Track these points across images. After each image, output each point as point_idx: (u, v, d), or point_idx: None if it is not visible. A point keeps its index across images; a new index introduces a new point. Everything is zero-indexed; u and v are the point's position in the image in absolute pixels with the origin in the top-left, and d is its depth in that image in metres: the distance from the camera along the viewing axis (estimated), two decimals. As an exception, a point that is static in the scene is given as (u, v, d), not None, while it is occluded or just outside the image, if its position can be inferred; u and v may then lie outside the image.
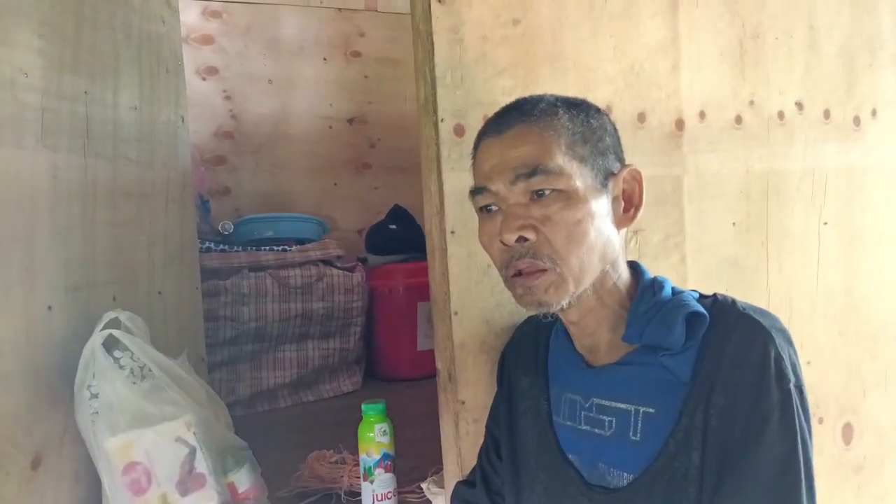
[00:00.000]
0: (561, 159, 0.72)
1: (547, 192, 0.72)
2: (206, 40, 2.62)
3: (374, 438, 1.27)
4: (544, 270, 0.72)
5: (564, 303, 0.74)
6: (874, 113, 1.31)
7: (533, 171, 0.72)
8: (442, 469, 1.18)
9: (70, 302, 1.18)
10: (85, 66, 1.27)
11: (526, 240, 0.72)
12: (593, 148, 0.74)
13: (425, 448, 1.47)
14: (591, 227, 0.72)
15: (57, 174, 1.16)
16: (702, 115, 1.17)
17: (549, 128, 0.73)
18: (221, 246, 2.15)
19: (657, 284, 0.77)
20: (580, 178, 0.72)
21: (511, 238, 0.73)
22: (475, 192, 0.78)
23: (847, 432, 1.28)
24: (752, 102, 1.21)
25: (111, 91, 1.37)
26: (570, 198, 0.72)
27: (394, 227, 2.53)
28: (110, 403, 1.03)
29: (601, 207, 0.74)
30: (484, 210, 0.78)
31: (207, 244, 2.11)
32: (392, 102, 2.88)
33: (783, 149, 1.24)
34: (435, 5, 0.99)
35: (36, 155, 1.10)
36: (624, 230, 0.78)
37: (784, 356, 0.67)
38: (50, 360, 1.11)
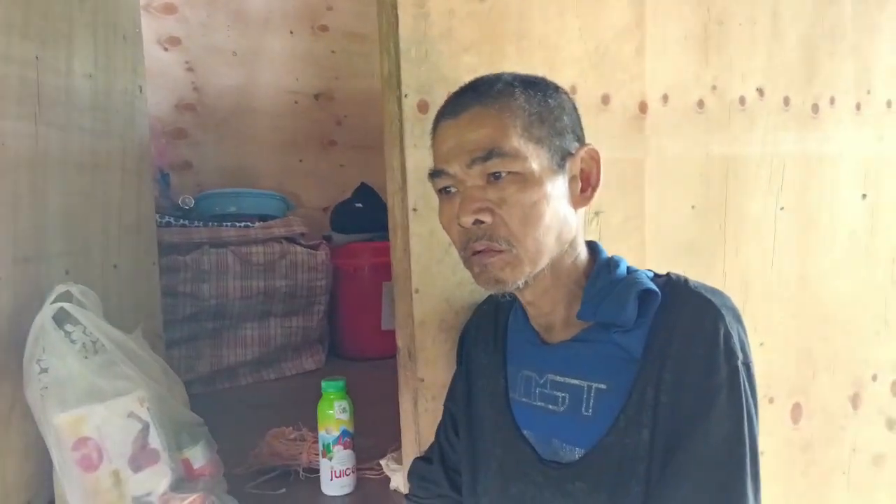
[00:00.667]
0: (517, 142, 0.72)
1: (503, 175, 0.72)
2: (169, 9, 2.54)
3: (334, 415, 1.27)
4: (501, 251, 0.72)
5: (521, 282, 0.74)
6: (832, 101, 1.33)
7: (489, 154, 0.71)
8: (401, 447, 1.18)
9: (19, 274, 1.14)
10: (36, 30, 1.22)
11: (482, 222, 0.73)
12: (550, 128, 0.74)
13: (385, 426, 1.47)
14: (547, 209, 0.72)
15: (4, 141, 1.12)
16: (665, 98, 1.18)
17: (505, 109, 0.73)
18: (181, 221, 2.11)
19: (612, 263, 0.77)
20: (536, 159, 0.72)
21: (468, 221, 0.73)
22: (433, 174, 0.78)
23: (796, 412, 1.32)
24: (714, 87, 1.22)
25: (64, 57, 1.32)
26: (525, 180, 0.72)
27: (360, 205, 2.51)
28: (61, 378, 1.01)
29: (557, 188, 0.74)
30: (443, 192, 0.78)
31: (167, 219, 2.07)
32: (359, 78, 2.83)
33: (743, 134, 1.25)
34: (400, -23, 0.97)
35: (-18, 120, 1.06)
36: (582, 209, 0.78)
37: (733, 334, 0.68)
38: (-3, 333, 1.08)
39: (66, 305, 1.06)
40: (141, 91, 1.66)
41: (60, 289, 1.09)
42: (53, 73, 1.28)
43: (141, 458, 1.03)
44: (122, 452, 1.03)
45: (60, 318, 1.06)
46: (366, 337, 2.45)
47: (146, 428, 1.04)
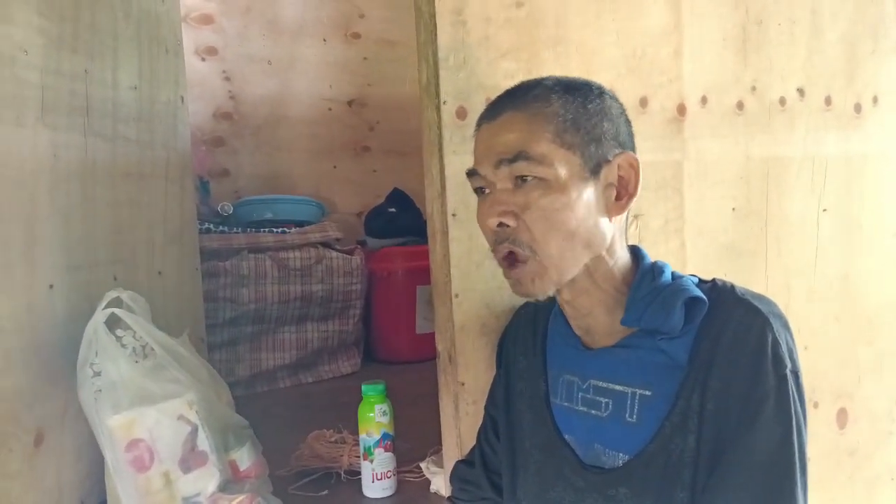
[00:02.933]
0: (546, 147, 0.72)
1: (529, 179, 0.73)
2: (206, 20, 2.60)
3: (375, 418, 1.29)
4: (525, 261, 0.73)
5: (551, 290, 0.75)
6: (875, 100, 1.31)
7: (515, 157, 0.72)
8: (440, 449, 1.19)
9: (71, 281, 1.18)
10: (84, 45, 1.26)
11: (507, 225, 0.74)
12: (586, 134, 0.74)
13: (423, 429, 1.48)
14: (572, 216, 0.72)
15: (57, 153, 1.16)
16: (703, 100, 1.17)
17: (537, 115, 0.73)
18: (221, 227, 2.16)
19: (657, 269, 0.77)
20: (565, 166, 0.72)
21: (492, 223, 0.74)
22: (469, 173, 0.79)
23: (842, 417, 1.30)
24: (753, 88, 1.21)
25: (110, 70, 1.36)
26: (550, 186, 0.72)
27: (393, 210, 2.54)
28: (113, 381, 1.04)
29: (587, 196, 0.73)
30: (479, 192, 0.79)
31: (207, 225, 2.11)
32: (391, 84, 2.86)
33: (784, 135, 1.24)
34: (438, -14, 0.99)
35: (36, 133, 1.10)
36: (620, 216, 0.78)
37: (781, 341, 0.68)
38: (51, 338, 1.12)
39: (117, 311, 1.09)
40: (182, 101, 1.71)
41: (111, 294, 1.12)
42: (101, 85, 1.32)
43: (190, 459, 1.06)
44: (173, 454, 1.06)
45: (112, 323, 1.10)
46: (400, 340, 2.47)
47: (195, 430, 1.07)
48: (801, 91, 1.25)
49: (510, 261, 0.75)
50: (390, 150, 2.88)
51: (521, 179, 0.73)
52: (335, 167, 2.83)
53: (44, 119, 1.12)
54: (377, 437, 1.29)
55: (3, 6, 1.03)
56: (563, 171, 0.72)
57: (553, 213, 0.72)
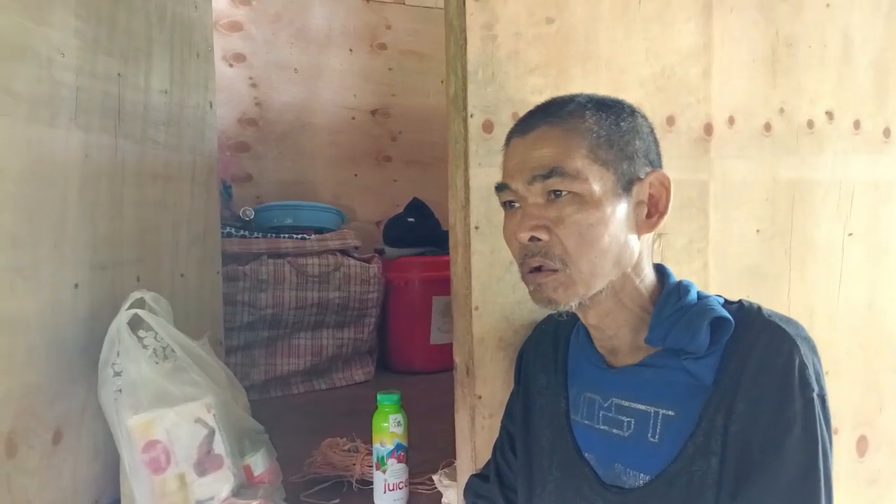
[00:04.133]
0: (580, 162, 0.72)
1: (563, 194, 0.73)
2: (235, 27, 2.64)
3: (389, 429, 1.28)
4: (555, 271, 0.73)
5: (574, 303, 0.75)
6: (905, 126, 1.30)
7: (550, 173, 0.72)
8: (453, 462, 1.19)
9: (96, 280, 1.20)
10: (119, 48, 1.28)
11: (539, 239, 0.73)
12: (619, 151, 0.74)
13: (435, 441, 1.48)
14: (605, 232, 0.72)
15: (88, 153, 1.18)
16: (731, 120, 1.17)
17: (572, 130, 0.73)
18: (242, 231, 2.17)
19: (682, 288, 0.77)
20: (599, 182, 0.72)
21: (525, 237, 0.74)
22: (499, 187, 0.79)
23: (862, 445, 1.28)
24: (782, 110, 1.21)
25: (143, 73, 1.39)
26: (584, 201, 0.72)
27: (412, 220, 2.54)
28: (133, 382, 1.05)
29: (619, 212, 0.74)
30: (507, 206, 0.79)
31: (228, 229, 2.13)
32: (415, 95, 2.89)
33: (811, 158, 1.23)
34: (469, 2, 0.99)
35: (69, 133, 1.12)
36: (648, 235, 0.78)
37: (808, 365, 0.67)
38: (74, 336, 1.13)
39: (140, 312, 1.10)
40: (211, 106, 1.73)
41: (135, 295, 1.14)
42: (133, 88, 1.34)
43: (206, 462, 1.07)
44: (189, 456, 1.06)
45: (134, 324, 1.11)
46: (414, 351, 2.47)
47: (212, 434, 1.08)
48: (829, 114, 1.24)
49: (538, 273, 0.75)
50: (411, 160, 2.90)
51: (554, 194, 0.73)
52: (356, 175, 2.85)
53: (77, 120, 1.14)
54: (391, 447, 1.29)
55: (42, 8, 1.05)
56: (597, 187, 0.72)
57: (587, 228, 0.72)
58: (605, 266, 0.73)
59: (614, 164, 0.74)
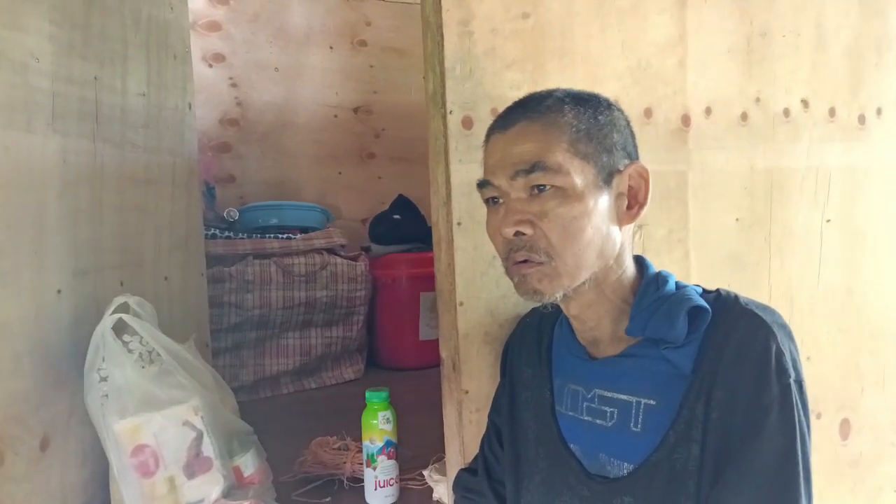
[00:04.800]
0: (561, 156, 0.73)
1: (546, 188, 0.73)
2: (214, 27, 2.62)
3: (378, 426, 1.29)
4: (540, 263, 0.74)
5: (559, 294, 0.75)
6: (879, 112, 1.32)
7: (532, 168, 0.73)
8: (443, 457, 1.19)
9: (78, 285, 1.19)
10: (94, 52, 1.27)
11: (524, 234, 0.74)
12: (598, 145, 0.75)
13: (425, 436, 1.49)
14: (589, 225, 0.73)
15: (66, 158, 1.17)
16: (708, 111, 1.18)
17: (552, 125, 0.74)
18: (226, 233, 2.17)
19: (661, 279, 0.78)
20: (580, 175, 0.73)
21: (509, 232, 0.75)
22: (481, 184, 0.80)
23: (845, 428, 1.30)
24: (758, 100, 1.22)
25: (120, 77, 1.37)
26: (567, 195, 0.73)
27: (397, 216, 2.55)
28: (119, 386, 1.05)
29: (601, 204, 0.75)
30: (490, 202, 0.80)
31: (213, 231, 2.12)
32: (397, 92, 2.88)
33: (788, 146, 1.24)
34: (445, -2, 1.00)
35: (46, 139, 1.11)
36: (629, 226, 0.79)
37: (785, 351, 0.68)
38: (57, 342, 1.13)
39: (125, 316, 1.10)
40: (190, 108, 1.72)
41: (119, 300, 1.13)
42: (110, 92, 1.33)
43: (195, 465, 1.07)
44: (177, 459, 1.06)
45: (119, 329, 1.11)
46: (403, 347, 2.48)
47: (200, 436, 1.08)
48: (805, 102, 1.26)
49: (522, 264, 0.75)
50: (395, 157, 2.90)
51: (536, 189, 0.74)
52: (340, 173, 2.84)
53: (54, 125, 1.13)
54: (380, 444, 1.29)
55: (15, 14, 1.04)
56: (579, 180, 0.73)
57: (571, 220, 0.73)
58: (589, 258, 0.74)
59: (594, 158, 0.74)
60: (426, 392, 1.66)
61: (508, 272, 0.78)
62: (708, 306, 0.73)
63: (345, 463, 1.40)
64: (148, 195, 1.48)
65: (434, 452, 1.40)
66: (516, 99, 0.81)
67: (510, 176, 0.75)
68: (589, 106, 0.77)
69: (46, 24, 1.12)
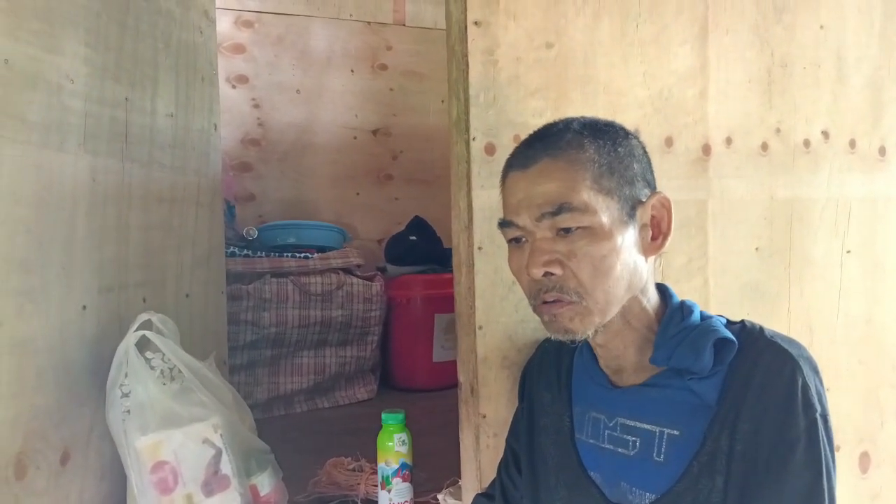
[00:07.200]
0: (586, 195, 0.72)
1: (573, 229, 0.73)
2: (238, 49, 2.67)
3: (394, 448, 1.29)
4: (571, 303, 0.73)
5: (590, 332, 0.75)
6: (899, 144, 1.32)
7: (558, 209, 0.72)
8: (457, 480, 1.19)
9: (103, 302, 1.21)
10: (126, 74, 1.30)
11: (552, 274, 0.74)
12: (620, 178, 0.75)
13: (438, 459, 1.48)
14: (618, 261, 0.73)
15: (96, 177, 1.19)
16: (728, 140, 1.19)
17: (574, 162, 0.73)
18: (245, 251, 2.19)
19: (686, 308, 0.78)
20: (606, 212, 0.73)
21: (538, 273, 0.74)
22: (503, 224, 0.79)
23: (864, 461, 1.28)
24: (778, 130, 1.23)
25: (149, 98, 1.41)
26: (595, 234, 0.72)
27: (413, 237, 2.56)
28: (141, 403, 1.06)
29: (628, 239, 0.74)
30: (513, 241, 0.79)
31: (232, 249, 2.14)
32: (416, 115, 2.92)
33: (808, 176, 1.25)
34: (471, 27, 1.02)
35: (77, 158, 1.14)
36: (653, 256, 0.79)
37: (811, 385, 0.68)
38: (81, 358, 1.14)
39: (148, 333, 1.11)
40: (216, 129, 1.75)
41: (143, 317, 1.15)
42: (140, 113, 1.36)
43: (213, 483, 1.07)
44: (196, 477, 1.07)
45: (142, 345, 1.12)
46: (417, 368, 2.48)
47: (219, 454, 1.08)
48: (825, 133, 1.26)
49: (553, 304, 0.74)
50: (412, 178, 2.92)
51: (563, 230, 0.73)
52: (358, 194, 2.87)
53: (85, 145, 1.16)
54: (395, 466, 1.29)
55: (54, 38, 1.07)
56: (605, 218, 0.73)
57: (601, 259, 0.72)
58: (619, 293, 0.74)
59: (617, 191, 0.74)
60: (439, 414, 1.66)
61: (536, 310, 0.77)
62: (734, 338, 0.73)
63: (359, 484, 1.40)
64: (172, 214, 1.51)
65: (448, 475, 1.40)
66: (539, 126, 0.81)
67: (536, 217, 0.74)
68: (608, 138, 0.76)
69: (82, 47, 1.15)
